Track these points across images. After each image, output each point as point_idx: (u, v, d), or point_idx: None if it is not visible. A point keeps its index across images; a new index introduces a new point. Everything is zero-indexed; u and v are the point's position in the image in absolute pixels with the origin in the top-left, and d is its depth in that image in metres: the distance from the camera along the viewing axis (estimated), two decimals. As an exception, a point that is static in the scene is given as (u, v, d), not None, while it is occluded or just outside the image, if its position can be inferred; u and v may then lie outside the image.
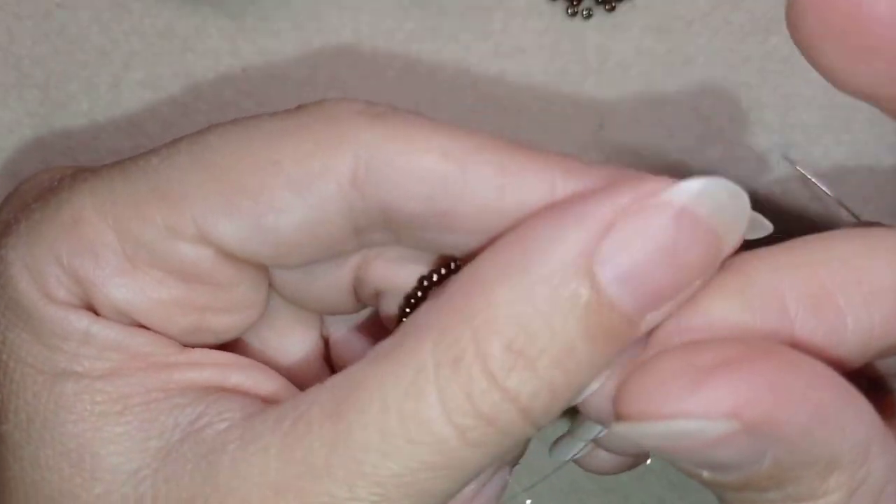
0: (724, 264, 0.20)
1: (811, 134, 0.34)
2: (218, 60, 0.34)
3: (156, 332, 0.22)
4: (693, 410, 0.18)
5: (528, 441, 0.23)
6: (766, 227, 0.21)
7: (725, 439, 0.18)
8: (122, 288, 0.21)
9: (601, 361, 0.19)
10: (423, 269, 0.23)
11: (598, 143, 0.34)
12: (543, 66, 0.34)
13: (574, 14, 0.33)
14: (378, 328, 0.26)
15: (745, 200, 0.19)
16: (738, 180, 0.34)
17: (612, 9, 0.33)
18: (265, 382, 0.23)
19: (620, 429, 0.19)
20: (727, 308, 0.20)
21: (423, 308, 0.20)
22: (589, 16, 0.33)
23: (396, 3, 0.34)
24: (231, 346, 0.24)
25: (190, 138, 0.22)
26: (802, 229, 0.34)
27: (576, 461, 0.29)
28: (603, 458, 0.29)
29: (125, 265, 0.21)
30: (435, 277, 0.23)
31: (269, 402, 0.22)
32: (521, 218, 0.20)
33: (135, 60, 0.34)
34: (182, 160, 0.21)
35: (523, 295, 0.19)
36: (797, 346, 0.20)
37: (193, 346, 0.23)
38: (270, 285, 0.24)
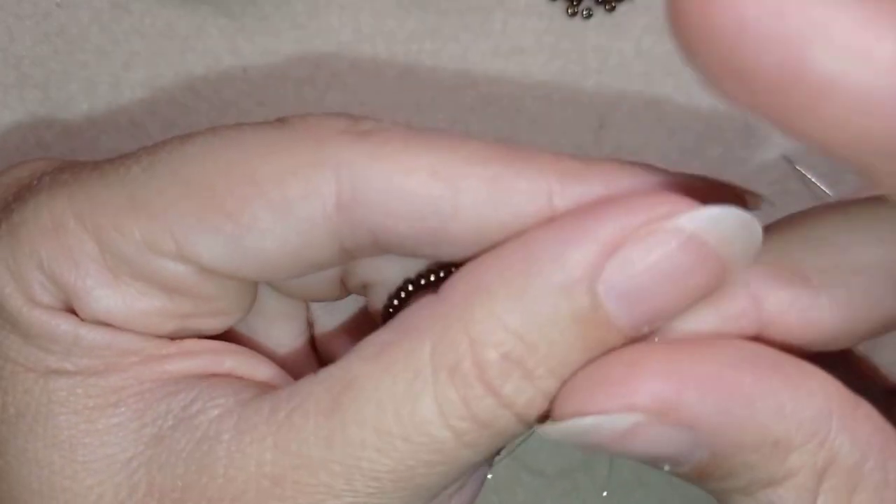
0: None
1: (811, 134, 0.34)
2: (218, 60, 0.34)
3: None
4: (594, 408, 0.19)
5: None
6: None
7: (636, 431, 0.19)
8: (104, 298, 0.21)
9: (592, 359, 0.20)
10: (412, 264, 0.23)
11: (598, 143, 0.34)
12: (543, 66, 0.34)
13: (574, 14, 0.33)
14: (361, 316, 0.27)
15: (757, 230, 0.19)
16: (738, 180, 0.34)
17: (612, 9, 0.33)
18: (258, 368, 0.23)
19: (543, 430, 0.20)
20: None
21: (423, 305, 0.20)
22: (589, 16, 0.33)
23: (396, 3, 0.34)
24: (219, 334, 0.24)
25: (170, 146, 0.21)
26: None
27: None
28: None
29: (106, 275, 0.21)
30: (423, 281, 0.23)
31: (262, 387, 0.22)
32: (516, 229, 0.20)
33: (135, 60, 0.34)
34: (161, 171, 0.21)
35: (524, 307, 0.19)
36: (766, 329, 0.20)
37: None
38: None
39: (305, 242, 0.20)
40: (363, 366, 0.20)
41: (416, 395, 0.19)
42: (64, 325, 0.21)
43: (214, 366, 0.22)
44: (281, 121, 0.21)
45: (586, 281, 0.19)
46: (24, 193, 0.22)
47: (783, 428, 0.19)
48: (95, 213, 0.21)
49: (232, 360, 0.23)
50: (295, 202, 0.20)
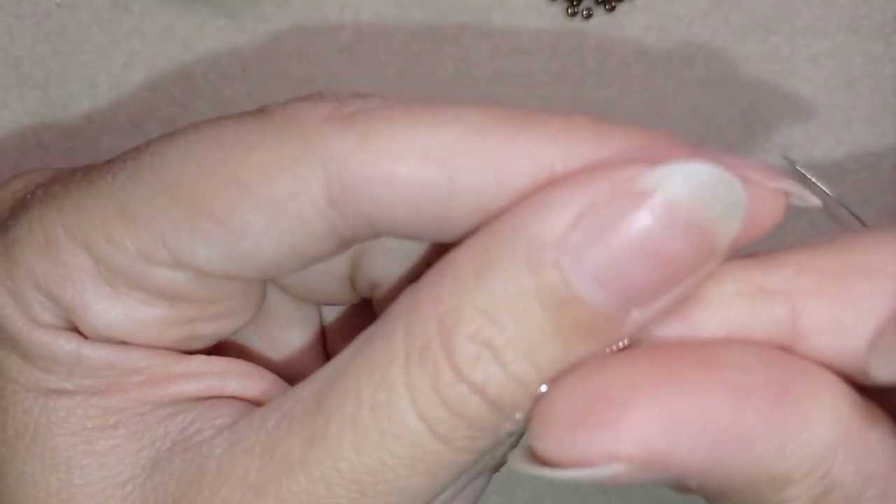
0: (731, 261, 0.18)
1: (811, 134, 0.34)
2: (218, 60, 0.34)
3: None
4: (574, 456, 0.17)
5: (510, 442, 0.22)
6: (809, 200, 0.19)
7: (623, 476, 0.17)
8: (104, 312, 0.21)
9: (579, 356, 0.18)
10: (421, 260, 0.23)
11: (598, 143, 0.34)
12: (543, 66, 0.34)
13: (574, 14, 0.33)
14: (373, 315, 0.26)
15: (737, 187, 0.17)
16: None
17: (612, 9, 0.33)
18: (263, 388, 0.22)
19: (519, 467, 0.18)
20: (726, 308, 0.18)
21: (401, 296, 0.19)
22: (589, 16, 0.33)
23: (396, 3, 0.34)
24: (230, 341, 0.24)
25: (153, 149, 0.21)
26: (802, 229, 0.34)
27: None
28: None
29: (104, 288, 0.21)
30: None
31: (261, 404, 0.21)
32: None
33: (135, 60, 0.34)
34: (147, 178, 0.20)
35: (491, 283, 0.17)
36: (796, 345, 0.18)
37: (188, 352, 0.22)
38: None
39: (301, 238, 0.20)
40: (346, 360, 0.19)
41: (391, 385, 0.18)
42: (66, 346, 0.21)
43: (218, 389, 0.22)
44: (262, 111, 0.20)
45: (551, 254, 0.17)
46: (18, 209, 0.22)
47: (783, 467, 0.17)
48: (85, 226, 0.20)
49: (236, 382, 0.22)
50: (284, 201, 0.19)
